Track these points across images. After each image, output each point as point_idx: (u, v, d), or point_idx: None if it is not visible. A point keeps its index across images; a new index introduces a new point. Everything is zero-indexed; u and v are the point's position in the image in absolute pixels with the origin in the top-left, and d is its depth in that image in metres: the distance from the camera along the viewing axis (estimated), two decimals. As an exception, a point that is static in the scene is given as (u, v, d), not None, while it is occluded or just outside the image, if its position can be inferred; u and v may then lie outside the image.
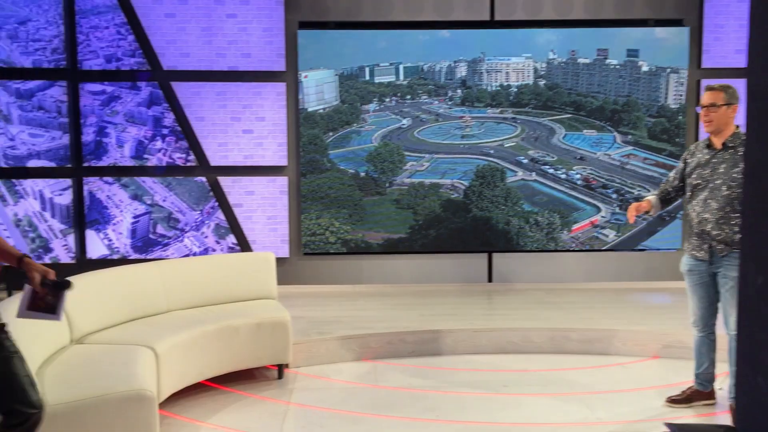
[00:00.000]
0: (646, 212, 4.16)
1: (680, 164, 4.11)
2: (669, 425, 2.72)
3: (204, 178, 6.79)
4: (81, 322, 4.29)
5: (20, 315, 2.92)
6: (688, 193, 4.00)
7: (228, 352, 4.58)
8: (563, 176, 6.93)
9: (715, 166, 3.82)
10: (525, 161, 6.92)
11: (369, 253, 6.96)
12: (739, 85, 6.68)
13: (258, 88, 6.73)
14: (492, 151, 6.88)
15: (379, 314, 5.97)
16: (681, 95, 6.84)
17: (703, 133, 4.08)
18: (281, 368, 4.89)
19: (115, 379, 3.52)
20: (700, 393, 4.24)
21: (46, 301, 2.87)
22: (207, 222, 6.86)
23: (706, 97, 3.87)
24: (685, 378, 4.75)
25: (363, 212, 6.88)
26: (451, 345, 5.45)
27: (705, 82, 6.85)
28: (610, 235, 7.00)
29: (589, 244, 7.00)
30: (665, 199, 4.18)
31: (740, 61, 6.84)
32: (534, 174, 6.93)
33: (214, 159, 6.77)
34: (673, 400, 4.27)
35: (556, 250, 7.01)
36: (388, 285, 6.99)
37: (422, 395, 4.54)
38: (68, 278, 2.99)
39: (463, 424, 4.06)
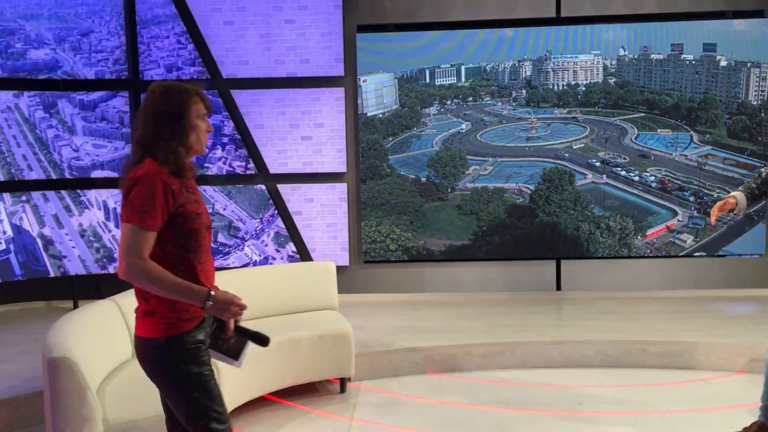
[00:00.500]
0: (731, 211, 3.65)
1: None
2: None
3: (263, 186, 6.72)
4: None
5: None
6: None
7: (290, 365, 4.45)
8: (636, 178, 6.58)
9: None
10: (596, 164, 6.59)
11: (431, 261, 6.76)
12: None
13: (317, 94, 6.62)
14: (567, 154, 6.57)
15: (443, 324, 5.76)
16: (763, 91, 6.41)
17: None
18: (344, 381, 4.74)
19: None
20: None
21: (229, 344, 2.51)
22: (267, 230, 6.78)
23: None
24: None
25: (424, 219, 6.68)
26: (520, 358, 5.19)
27: (790, 76, 6.40)
28: (688, 240, 6.60)
29: (665, 249, 6.62)
30: (753, 196, 3.66)
31: (830, 52, 6.36)
32: (604, 176, 6.60)
33: (273, 166, 6.69)
34: None
35: (629, 257, 6.65)
36: (451, 294, 6.77)
37: (491, 413, 4.31)
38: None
39: (536, 446, 3.81)
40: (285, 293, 5.00)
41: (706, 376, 4.89)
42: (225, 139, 6.66)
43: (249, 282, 4.92)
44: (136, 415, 3.25)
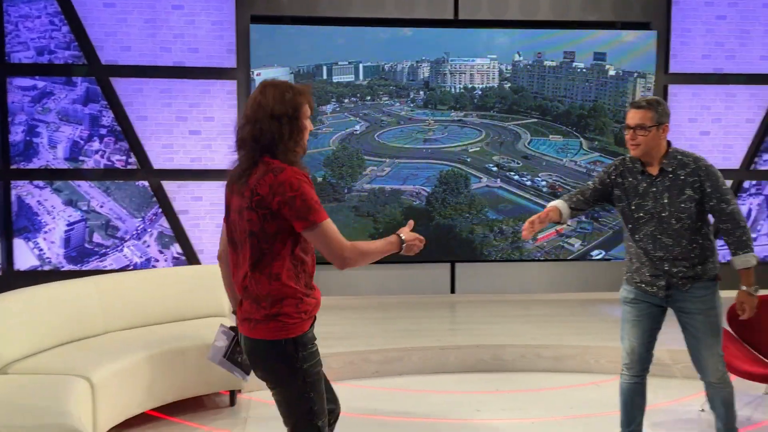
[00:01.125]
0: (557, 222, 3.46)
1: (603, 178, 3.39)
2: None
3: (146, 183, 6.25)
4: (4, 348, 3.75)
5: (213, 359, 2.68)
6: (628, 225, 3.36)
7: (174, 378, 4.10)
8: (528, 183, 6.67)
9: (657, 196, 3.24)
10: (492, 167, 6.62)
11: (326, 263, 6.53)
12: (718, 91, 6.59)
13: (206, 86, 6.24)
14: (468, 159, 6.55)
15: (338, 330, 5.57)
16: (647, 101, 6.66)
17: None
18: (234, 394, 4.43)
19: (43, 416, 3.03)
20: None
21: (242, 357, 2.61)
22: (149, 230, 6.32)
23: (632, 117, 3.20)
24: (665, 399, 4.52)
25: (319, 220, 6.45)
26: (417, 364, 5.08)
27: (672, 88, 6.70)
28: (576, 245, 6.77)
29: (554, 253, 6.75)
30: (575, 209, 3.44)
31: (707, 67, 6.71)
32: (499, 180, 6.64)
33: (158, 162, 6.25)
34: None
35: (521, 260, 6.73)
36: (346, 297, 6.59)
37: (390, 423, 4.16)
38: None
39: (438, 457, 3.69)
40: (170, 299, 4.62)
41: (597, 379, 4.98)
42: (103, 131, 6.15)
43: (129, 287, 4.51)
44: None
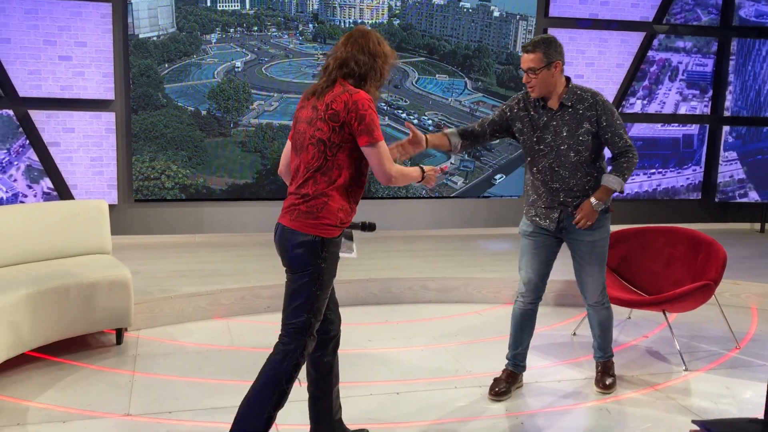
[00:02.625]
0: (448, 151, 3.56)
1: (504, 112, 3.50)
2: (697, 422, 2.66)
3: (11, 111, 5.77)
4: None
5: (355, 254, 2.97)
6: (528, 158, 3.51)
7: (56, 318, 3.90)
8: (416, 121, 6.76)
9: (557, 130, 3.38)
10: (381, 105, 6.64)
11: (211, 200, 6.39)
12: (592, 36, 6.90)
13: (77, 8, 5.78)
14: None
15: (227, 267, 5.49)
16: (529, 44, 6.89)
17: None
18: (120, 332, 4.29)
19: None
20: (516, 376, 3.74)
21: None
22: (16, 163, 5.87)
23: (524, 61, 3.32)
24: (540, 325, 4.85)
25: (204, 155, 6.25)
26: (308, 298, 5.13)
27: (551, 31, 6.96)
28: (459, 183, 6.99)
29: (438, 191, 6.95)
30: (470, 141, 3.55)
31: (583, 12, 7.01)
32: (387, 119, 6.69)
33: (24, 89, 5.76)
34: (497, 393, 3.64)
35: (407, 197, 6.88)
36: (232, 234, 6.48)
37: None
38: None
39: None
40: (48, 236, 4.35)
41: (478, 309, 5.25)
42: (-41, 53, 5.56)
43: (3, 221, 4.20)
44: None
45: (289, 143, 2.89)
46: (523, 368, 3.80)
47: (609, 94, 7.19)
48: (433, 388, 3.79)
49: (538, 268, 3.61)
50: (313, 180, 2.69)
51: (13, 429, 3.21)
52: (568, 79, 3.43)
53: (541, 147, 3.46)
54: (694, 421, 2.91)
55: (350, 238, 2.94)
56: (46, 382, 3.70)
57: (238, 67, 6.22)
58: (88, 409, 3.42)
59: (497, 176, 7.04)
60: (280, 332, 2.77)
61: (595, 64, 7.13)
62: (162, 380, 3.80)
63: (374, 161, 2.68)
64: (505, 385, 3.69)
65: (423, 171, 2.94)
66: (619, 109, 7.28)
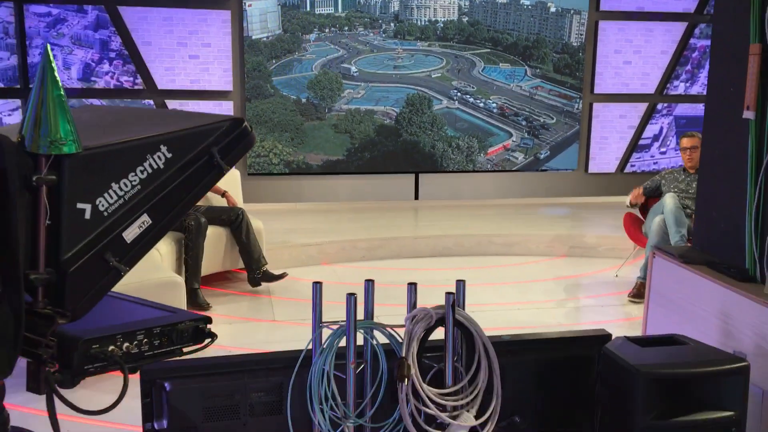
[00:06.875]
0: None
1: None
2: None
3: (151, 101, 7.09)
4: None
5: None
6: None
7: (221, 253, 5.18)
8: (482, 105, 7.81)
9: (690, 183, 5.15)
10: (451, 91, 7.73)
11: (309, 174, 7.60)
12: (639, 27, 7.82)
13: (204, 15, 7.04)
14: (432, 84, 7.61)
15: (326, 227, 6.68)
16: (581, 34, 7.84)
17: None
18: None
19: None
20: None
21: None
22: (154, 144, 7.18)
23: (687, 141, 5.16)
24: (589, 269, 5.88)
25: (304, 136, 7.47)
26: (396, 250, 6.28)
27: (602, 23, 7.88)
28: (519, 158, 8.01)
29: (501, 165, 7.99)
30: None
31: (631, 5, 7.90)
32: (457, 102, 7.76)
33: (162, 83, 7.07)
34: (635, 295, 5.02)
35: (474, 171, 7.94)
36: (326, 203, 7.68)
37: (384, 288, 5.35)
38: None
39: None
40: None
41: (537, 260, 6.30)
42: (112, 54, 6.91)
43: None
44: None
45: None
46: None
47: (654, 78, 8.07)
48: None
49: None
50: None
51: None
52: None
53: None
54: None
55: None
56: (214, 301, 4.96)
57: (336, 58, 7.40)
58: (245, 317, 4.65)
59: (546, 152, 8.04)
60: None
61: (642, 52, 8.02)
62: (293, 302, 5.01)
63: None
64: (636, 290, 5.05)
65: None
66: (664, 91, 8.15)
